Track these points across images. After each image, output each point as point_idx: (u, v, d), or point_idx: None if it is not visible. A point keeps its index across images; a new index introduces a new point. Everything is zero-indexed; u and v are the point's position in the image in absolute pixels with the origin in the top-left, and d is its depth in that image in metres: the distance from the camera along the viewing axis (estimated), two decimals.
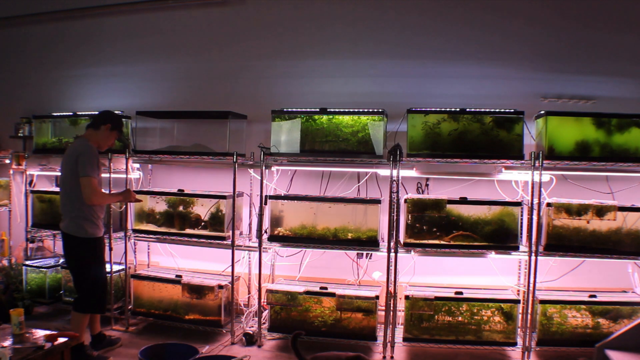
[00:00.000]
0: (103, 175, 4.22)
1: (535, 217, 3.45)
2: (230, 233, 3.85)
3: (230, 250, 3.83)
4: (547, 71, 3.96)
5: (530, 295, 3.42)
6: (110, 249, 4.01)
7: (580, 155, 3.39)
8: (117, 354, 3.52)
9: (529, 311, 3.42)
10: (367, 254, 3.90)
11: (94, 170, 3.26)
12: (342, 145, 3.68)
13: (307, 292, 3.68)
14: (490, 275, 3.92)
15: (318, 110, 3.70)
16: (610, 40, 3.87)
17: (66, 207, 3.32)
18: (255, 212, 4.16)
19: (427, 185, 4.03)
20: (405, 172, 3.66)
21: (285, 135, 3.79)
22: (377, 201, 3.68)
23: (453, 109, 3.50)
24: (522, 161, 3.45)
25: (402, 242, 3.58)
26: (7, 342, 2.58)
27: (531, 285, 3.40)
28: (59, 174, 3.62)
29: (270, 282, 4.09)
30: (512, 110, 3.47)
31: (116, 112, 4.26)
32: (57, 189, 4.52)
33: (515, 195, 3.80)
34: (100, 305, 3.43)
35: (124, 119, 4.31)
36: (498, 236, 3.53)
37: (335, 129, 3.69)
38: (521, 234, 3.60)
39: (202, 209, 3.98)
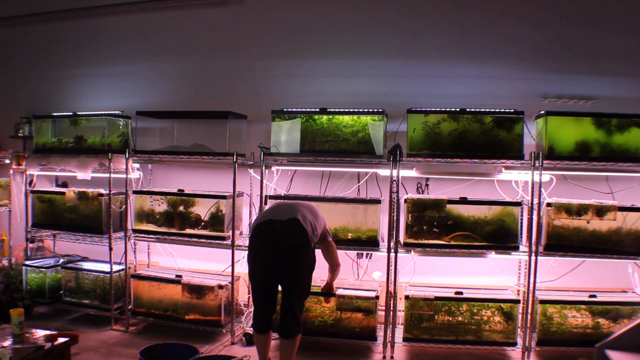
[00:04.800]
0: (103, 175, 4.25)
1: (535, 217, 3.45)
2: (230, 233, 3.85)
3: (230, 250, 3.83)
4: (547, 71, 3.96)
5: (530, 295, 3.42)
6: (110, 249, 4.02)
7: (580, 155, 3.39)
8: (117, 353, 3.52)
9: (529, 311, 3.42)
10: (367, 254, 3.90)
11: None
12: (342, 145, 3.68)
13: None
14: (490, 275, 3.92)
15: (318, 110, 3.70)
16: (610, 40, 3.87)
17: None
18: (255, 212, 4.16)
19: (427, 185, 4.03)
20: (405, 172, 3.66)
21: (285, 135, 3.79)
22: (377, 201, 3.68)
23: (453, 109, 3.50)
24: (522, 161, 3.45)
25: (402, 242, 3.58)
26: (7, 342, 2.58)
27: (531, 285, 3.40)
28: None
29: None
30: (512, 110, 3.47)
31: (116, 112, 4.30)
32: (58, 189, 4.53)
33: (515, 195, 3.80)
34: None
35: (124, 119, 4.33)
36: (498, 236, 3.52)
37: (335, 129, 3.69)
38: (521, 234, 3.60)
39: (202, 209, 3.98)
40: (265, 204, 3.77)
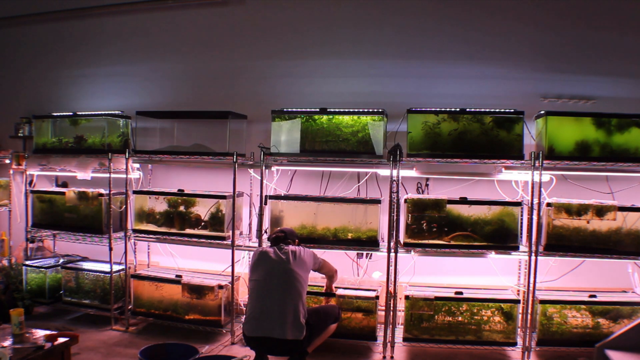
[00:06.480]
0: (103, 175, 4.26)
1: (535, 217, 3.45)
2: (230, 233, 3.85)
3: (230, 250, 3.83)
4: (547, 71, 3.96)
5: (530, 295, 3.42)
6: (110, 249, 4.03)
7: (580, 155, 3.39)
8: (117, 353, 3.52)
9: (529, 311, 3.42)
10: (367, 254, 3.90)
11: None
12: (342, 145, 3.68)
13: (307, 292, 3.67)
14: (490, 275, 3.92)
15: (318, 110, 3.70)
16: (610, 40, 3.87)
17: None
18: (255, 212, 4.16)
19: (427, 185, 4.03)
20: (405, 172, 3.66)
21: (285, 135, 3.79)
22: (377, 201, 3.68)
23: (453, 109, 3.50)
24: (522, 161, 3.45)
25: (402, 242, 3.58)
26: (7, 342, 2.58)
27: (531, 285, 3.40)
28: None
29: None
30: (512, 110, 3.47)
31: (116, 112, 4.30)
32: (58, 189, 4.53)
33: (515, 195, 3.80)
34: None
35: (124, 119, 4.33)
36: (498, 236, 3.52)
37: (335, 129, 3.69)
38: (521, 234, 3.60)
39: (202, 209, 3.98)
40: (265, 203, 3.77)
